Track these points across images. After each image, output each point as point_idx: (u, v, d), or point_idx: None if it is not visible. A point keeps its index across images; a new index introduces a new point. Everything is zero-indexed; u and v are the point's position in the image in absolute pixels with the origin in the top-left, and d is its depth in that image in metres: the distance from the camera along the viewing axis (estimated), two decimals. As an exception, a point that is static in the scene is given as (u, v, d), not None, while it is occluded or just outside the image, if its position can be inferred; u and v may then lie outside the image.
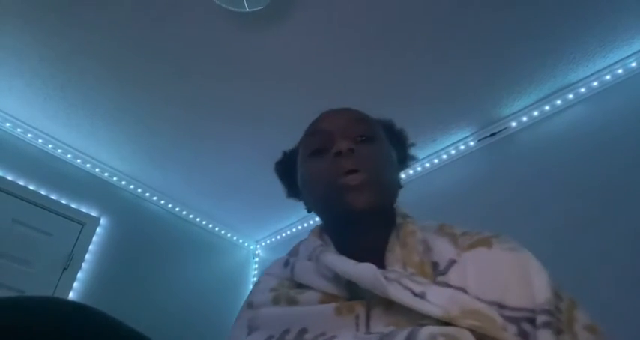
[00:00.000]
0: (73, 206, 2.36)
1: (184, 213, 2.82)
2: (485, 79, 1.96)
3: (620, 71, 1.85)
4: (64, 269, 2.19)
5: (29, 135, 2.28)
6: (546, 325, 0.43)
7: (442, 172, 2.30)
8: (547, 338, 0.42)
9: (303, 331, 0.50)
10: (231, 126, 2.25)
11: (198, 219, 2.88)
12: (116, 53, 1.92)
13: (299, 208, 0.74)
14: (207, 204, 2.80)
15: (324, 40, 1.85)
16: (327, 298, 0.53)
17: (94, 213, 2.43)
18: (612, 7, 1.67)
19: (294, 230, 2.84)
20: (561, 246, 1.63)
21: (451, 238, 0.57)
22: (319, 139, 0.65)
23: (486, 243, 0.54)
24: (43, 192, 2.26)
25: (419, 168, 2.36)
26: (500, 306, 0.46)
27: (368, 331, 0.48)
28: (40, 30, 1.82)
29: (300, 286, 0.58)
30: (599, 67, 1.89)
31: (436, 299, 0.46)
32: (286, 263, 0.63)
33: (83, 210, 2.39)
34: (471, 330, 0.42)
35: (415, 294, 0.47)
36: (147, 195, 2.68)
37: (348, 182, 0.57)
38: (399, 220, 0.62)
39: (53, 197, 2.30)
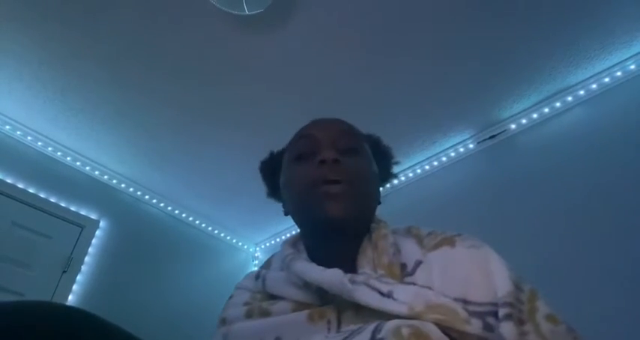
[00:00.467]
0: (73, 209, 2.35)
1: (184, 215, 2.82)
2: (485, 81, 1.96)
3: (619, 73, 1.85)
4: (64, 272, 2.19)
5: (29, 137, 2.29)
6: (508, 317, 0.44)
7: (442, 174, 2.30)
8: (509, 329, 0.43)
9: None
10: (230, 128, 2.25)
11: (197, 222, 2.88)
12: (115, 56, 1.92)
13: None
14: (207, 207, 2.80)
15: (324, 43, 1.85)
16: (299, 306, 0.55)
17: (93, 216, 2.43)
18: (611, 10, 1.68)
19: (293, 232, 2.82)
20: (561, 246, 1.63)
21: (417, 239, 0.59)
22: (306, 145, 0.66)
23: (450, 242, 0.56)
24: (42, 195, 2.26)
25: (419, 171, 2.37)
26: (465, 302, 0.47)
27: (338, 331, 0.50)
28: (40, 33, 1.82)
29: (273, 297, 0.60)
30: (599, 69, 1.89)
31: (402, 297, 0.48)
32: (257, 276, 0.64)
33: (83, 212, 2.39)
34: (436, 324, 0.44)
35: (382, 294, 0.49)
36: (146, 197, 2.68)
37: (329, 190, 0.58)
38: (373, 225, 0.63)
39: (52, 200, 2.29)
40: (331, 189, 0.58)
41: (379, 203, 0.68)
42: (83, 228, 2.35)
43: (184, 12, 1.74)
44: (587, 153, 1.78)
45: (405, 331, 0.42)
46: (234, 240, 3.05)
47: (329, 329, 0.51)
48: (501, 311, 0.45)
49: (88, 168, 2.47)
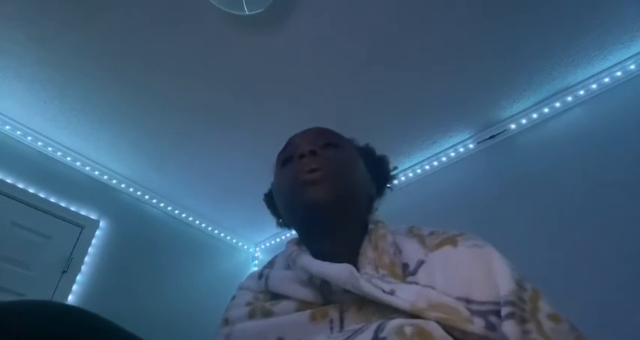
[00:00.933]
0: (73, 209, 2.35)
1: (184, 215, 2.82)
2: (485, 81, 1.96)
3: (619, 74, 1.85)
4: (64, 272, 2.19)
5: (29, 137, 2.29)
6: (510, 316, 0.44)
7: (442, 175, 2.30)
8: (511, 328, 0.43)
9: None
10: (230, 128, 2.25)
11: (197, 222, 2.88)
12: (115, 56, 1.92)
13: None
14: (207, 207, 2.80)
15: (324, 43, 1.85)
16: (302, 306, 0.55)
17: (93, 216, 2.43)
18: (611, 10, 1.68)
19: (293, 232, 2.83)
20: (560, 247, 1.63)
21: (419, 239, 0.60)
22: (289, 151, 0.69)
23: (452, 241, 0.56)
24: (42, 195, 2.26)
25: (419, 171, 2.37)
26: (468, 301, 0.48)
27: (341, 331, 0.50)
28: (40, 34, 1.82)
29: (275, 297, 0.60)
30: (598, 69, 1.89)
31: (405, 295, 0.48)
32: (260, 276, 0.65)
33: (82, 212, 2.38)
34: (438, 323, 0.44)
35: (385, 292, 0.49)
36: (146, 197, 2.68)
37: (307, 178, 0.60)
38: (370, 226, 0.64)
39: (52, 200, 2.29)
40: (309, 176, 0.60)
41: (372, 201, 0.69)
42: (83, 228, 2.34)
43: (184, 12, 1.74)
44: (586, 153, 1.78)
45: (407, 330, 0.42)
46: (234, 240, 3.05)
47: (332, 328, 0.51)
48: (504, 310, 0.45)
49: (88, 168, 2.47)
